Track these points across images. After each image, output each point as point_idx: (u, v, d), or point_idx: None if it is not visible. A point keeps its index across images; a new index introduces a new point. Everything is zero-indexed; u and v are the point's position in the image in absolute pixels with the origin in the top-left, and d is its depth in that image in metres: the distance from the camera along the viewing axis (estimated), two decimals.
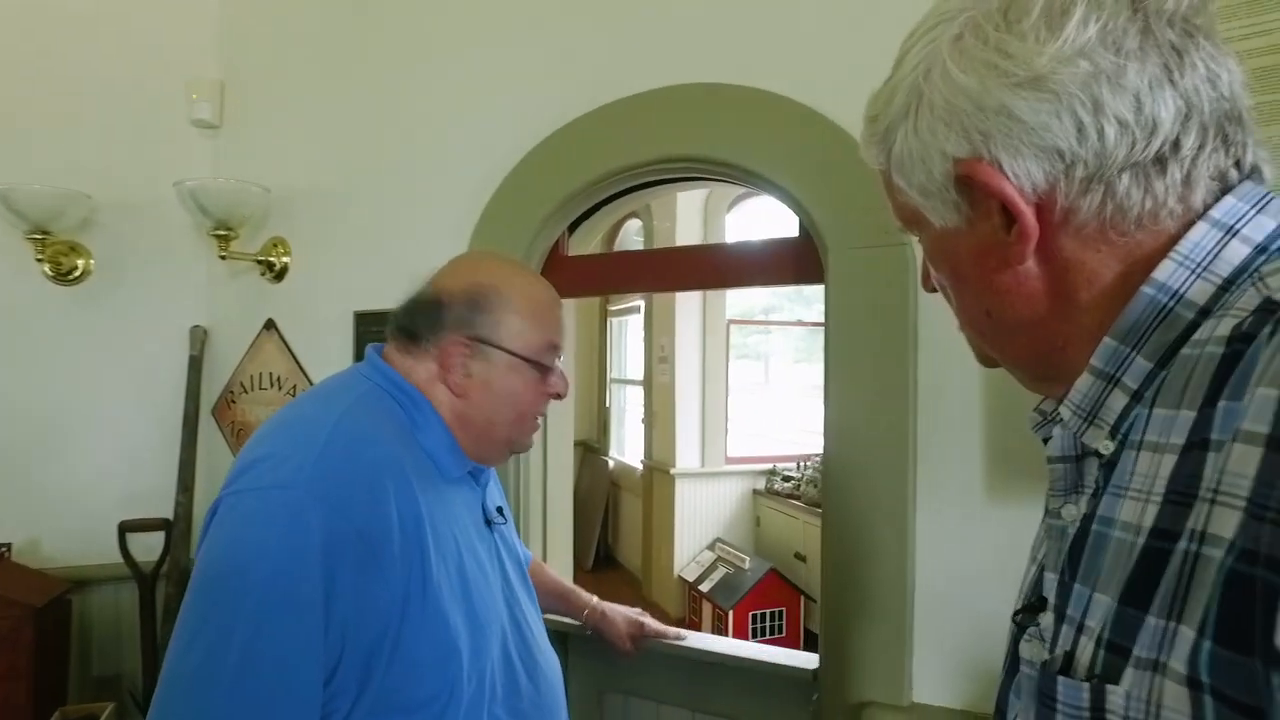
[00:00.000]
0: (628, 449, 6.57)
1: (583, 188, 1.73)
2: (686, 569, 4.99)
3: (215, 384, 2.33)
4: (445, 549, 0.93)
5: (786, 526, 4.98)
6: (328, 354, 2.11)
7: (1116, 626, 0.43)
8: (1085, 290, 0.50)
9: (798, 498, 4.89)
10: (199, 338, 2.29)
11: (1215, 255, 0.46)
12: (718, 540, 5.09)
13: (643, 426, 5.77)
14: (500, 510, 1.14)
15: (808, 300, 6.07)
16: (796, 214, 1.55)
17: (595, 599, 1.57)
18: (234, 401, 2.28)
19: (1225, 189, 0.48)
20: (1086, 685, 0.43)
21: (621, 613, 1.57)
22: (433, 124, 1.98)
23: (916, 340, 1.40)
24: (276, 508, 0.83)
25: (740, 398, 5.85)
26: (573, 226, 1.92)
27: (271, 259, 2.18)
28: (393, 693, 0.86)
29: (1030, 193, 0.48)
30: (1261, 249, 0.46)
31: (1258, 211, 0.47)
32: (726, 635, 3.99)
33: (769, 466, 5.41)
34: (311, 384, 2.14)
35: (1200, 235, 0.47)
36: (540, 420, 1.11)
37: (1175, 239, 0.47)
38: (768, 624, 4.36)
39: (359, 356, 2.01)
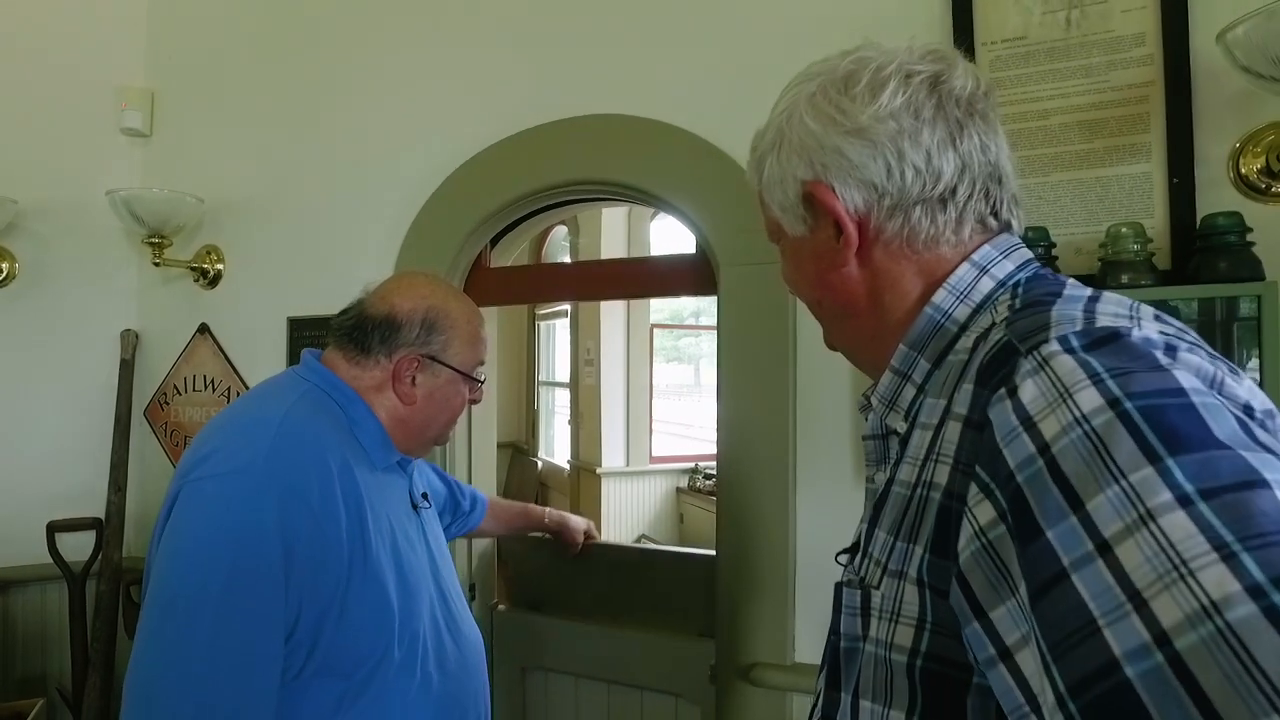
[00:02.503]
0: (555, 450, 6.70)
1: (503, 206, 1.88)
2: None
3: (148, 387, 2.37)
4: (380, 525, 1.06)
5: (709, 522, 5.12)
6: (262, 358, 2.19)
7: (885, 552, 0.59)
8: (889, 293, 0.66)
9: None
10: (130, 341, 2.33)
11: (972, 287, 0.63)
12: (643, 536, 5.27)
13: (569, 427, 5.90)
14: (425, 496, 1.28)
15: None
16: (693, 233, 1.73)
17: (548, 509, 1.94)
18: (167, 403, 2.33)
19: (985, 230, 0.65)
20: (859, 591, 0.61)
21: (576, 516, 1.95)
22: (364, 139, 2.08)
23: (795, 345, 1.60)
24: (236, 491, 0.94)
25: (670, 399, 6.03)
26: (495, 240, 2.07)
27: (205, 266, 2.25)
28: (338, 651, 0.98)
29: (854, 212, 0.65)
30: (1002, 284, 0.62)
31: (1004, 258, 0.64)
32: None
33: (691, 465, 5.63)
34: (246, 387, 2.21)
35: (964, 272, 0.63)
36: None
37: (952, 265, 0.64)
38: None
39: (293, 361, 2.11)
